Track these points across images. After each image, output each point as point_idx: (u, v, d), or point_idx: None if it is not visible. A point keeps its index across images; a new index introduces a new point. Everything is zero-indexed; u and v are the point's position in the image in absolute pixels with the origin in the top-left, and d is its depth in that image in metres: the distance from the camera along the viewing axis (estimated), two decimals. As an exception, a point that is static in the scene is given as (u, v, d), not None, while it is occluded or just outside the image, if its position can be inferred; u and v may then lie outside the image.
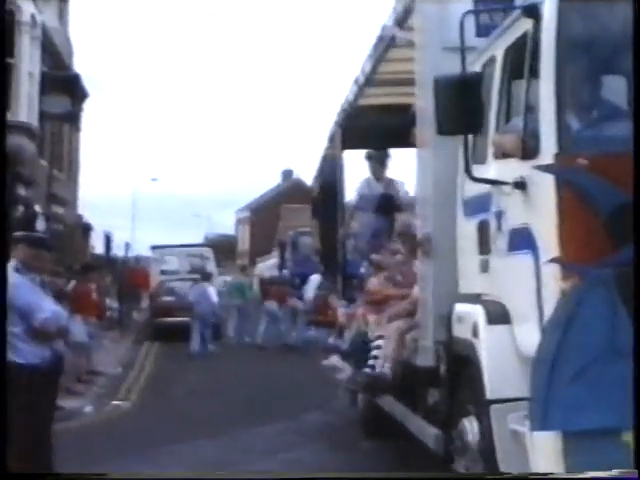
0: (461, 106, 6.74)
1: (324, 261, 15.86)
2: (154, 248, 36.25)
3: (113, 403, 17.21)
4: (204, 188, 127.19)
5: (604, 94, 6.77)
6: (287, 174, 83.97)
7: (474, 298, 7.74)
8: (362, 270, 13.28)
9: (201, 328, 25.84)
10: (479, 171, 7.25)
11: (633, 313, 5.94)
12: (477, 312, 7.32)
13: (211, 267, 33.47)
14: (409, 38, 9.12)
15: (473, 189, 7.80)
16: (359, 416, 13.33)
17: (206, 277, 28.36)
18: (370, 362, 9.92)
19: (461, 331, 7.70)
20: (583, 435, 6.02)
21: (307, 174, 55.85)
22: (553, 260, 6.18)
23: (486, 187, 7.35)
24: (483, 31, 8.19)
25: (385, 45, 10.49)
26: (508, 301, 7.10)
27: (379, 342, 9.90)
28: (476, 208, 7.74)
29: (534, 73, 6.59)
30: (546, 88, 6.39)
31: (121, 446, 12.34)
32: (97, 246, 43.10)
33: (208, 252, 35.70)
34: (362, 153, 14.08)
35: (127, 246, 41.33)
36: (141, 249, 40.14)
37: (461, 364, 7.79)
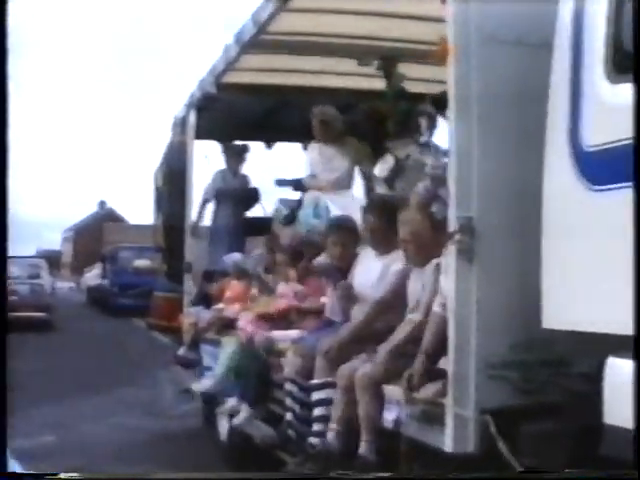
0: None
1: (168, 259, 10.11)
2: None
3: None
4: (38, 213, 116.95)
5: None
6: (102, 204, 77.74)
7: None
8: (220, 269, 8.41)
9: None
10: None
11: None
12: None
13: (44, 273, 30.34)
14: None
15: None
16: (221, 445, 7.61)
17: None
18: (315, 427, 4.54)
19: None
20: None
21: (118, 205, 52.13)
22: None
23: None
24: None
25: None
26: None
27: (324, 394, 4.51)
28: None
29: None
30: None
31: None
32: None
33: (42, 262, 31.98)
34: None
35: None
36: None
37: None
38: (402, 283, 4.35)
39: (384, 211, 4.74)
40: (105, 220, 63.71)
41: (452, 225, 3.33)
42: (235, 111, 8.35)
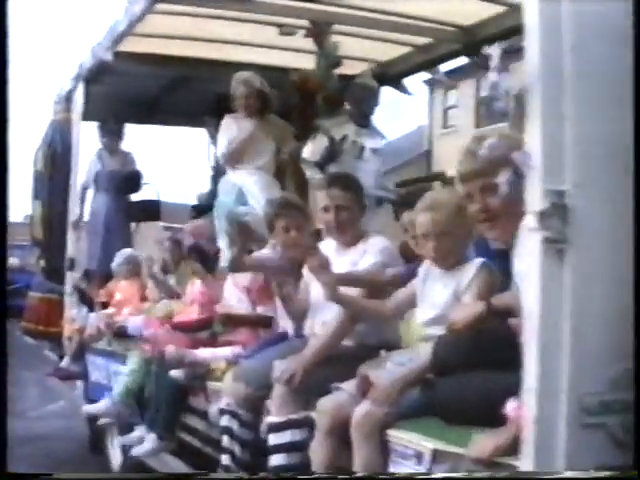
0: None
1: (46, 255, 8.12)
2: None
3: None
4: None
5: None
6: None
7: None
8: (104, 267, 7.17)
9: None
10: None
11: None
12: None
13: None
14: None
15: None
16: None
17: None
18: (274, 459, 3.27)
19: None
20: None
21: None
22: None
23: None
24: None
25: None
26: None
27: (287, 437, 3.19)
28: None
29: None
30: None
31: None
32: None
33: None
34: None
35: None
36: None
37: None
38: (392, 282, 3.18)
39: (353, 188, 3.60)
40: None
41: (532, 204, 2.15)
42: (131, 86, 6.98)
